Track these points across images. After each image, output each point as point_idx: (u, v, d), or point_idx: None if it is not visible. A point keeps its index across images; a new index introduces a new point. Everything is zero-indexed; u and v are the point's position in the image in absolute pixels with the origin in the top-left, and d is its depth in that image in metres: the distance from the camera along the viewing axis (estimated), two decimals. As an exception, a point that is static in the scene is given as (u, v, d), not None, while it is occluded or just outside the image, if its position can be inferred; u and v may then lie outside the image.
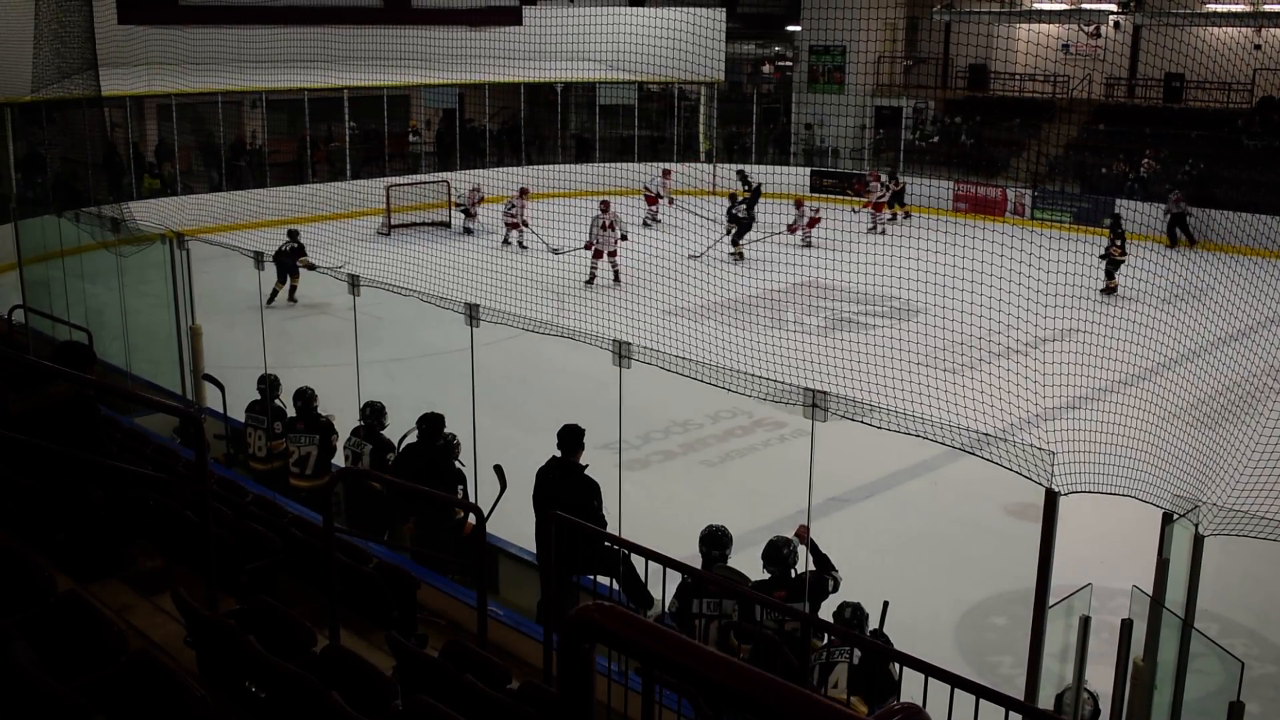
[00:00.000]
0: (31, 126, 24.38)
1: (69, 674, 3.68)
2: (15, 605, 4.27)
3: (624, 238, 21.15)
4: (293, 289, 19.59)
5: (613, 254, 21.15)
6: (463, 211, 26.69)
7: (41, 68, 17.08)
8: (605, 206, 21.39)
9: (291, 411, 10.49)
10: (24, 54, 17.57)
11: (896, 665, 6.47)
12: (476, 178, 27.80)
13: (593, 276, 20.97)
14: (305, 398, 10.27)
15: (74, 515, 5.72)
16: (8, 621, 3.91)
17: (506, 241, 24.79)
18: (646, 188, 27.79)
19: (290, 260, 19.02)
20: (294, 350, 14.46)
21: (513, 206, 24.79)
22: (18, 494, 5.85)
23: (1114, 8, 31.04)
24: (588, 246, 21.05)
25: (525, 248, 24.08)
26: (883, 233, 25.60)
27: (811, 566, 7.38)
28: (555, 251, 21.69)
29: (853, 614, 6.84)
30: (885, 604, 7.03)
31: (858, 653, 6.58)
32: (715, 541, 7.49)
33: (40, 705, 3.52)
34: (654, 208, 27.60)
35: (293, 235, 19.72)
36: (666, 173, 28.21)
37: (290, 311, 18.75)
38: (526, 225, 24.33)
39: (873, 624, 6.91)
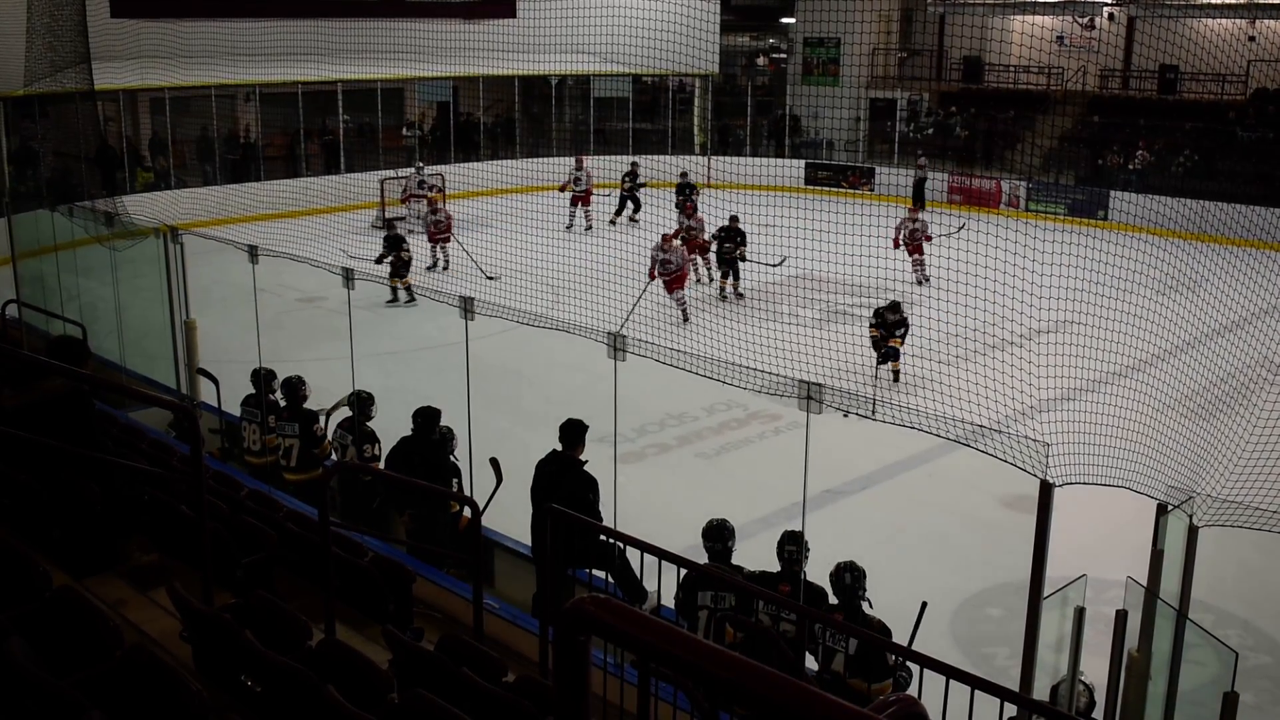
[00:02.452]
0: (24, 120, 24.35)
1: (65, 669, 3.68)
2: (11, 600, 4.28)
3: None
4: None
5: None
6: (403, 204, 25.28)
7: (34, 61, 17.05)
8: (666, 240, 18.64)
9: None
10: (16, 48, 17.55)
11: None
12: (470, 171, 27.47)
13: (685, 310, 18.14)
14: (290, 386, 10.22)
15: (70, 510, 5.72)
16: (3, 617, 3.92)
17: (432, 265, 21.14)
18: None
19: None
20: (289, 344, 14.46)
21: (433, 215, 21.48)
22: (13, 489, 5.85)
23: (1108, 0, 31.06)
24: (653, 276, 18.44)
25: (436, 269, 20.81)
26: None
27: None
28: (490, 278, 18.12)
29: (852, 579, 6.86)
30: (923, 605, 7.01)
31: (854, 643, 6.63)
32: (718, 534, 7.50)
33: (37, 701, 3.52)
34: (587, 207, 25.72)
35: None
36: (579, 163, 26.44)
37: (285, 306, 18.74)
38: (444, 239, 21.06)
39: (905, 632, 6.87)
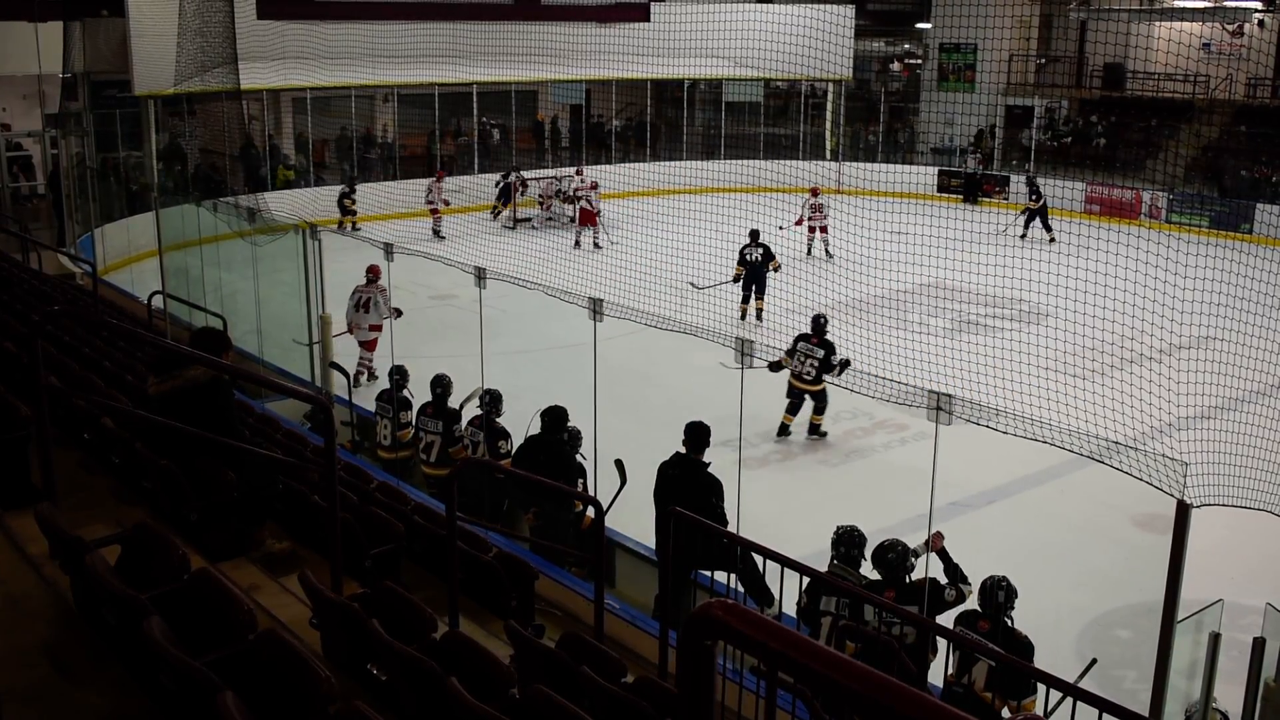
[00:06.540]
0: (173, 118, 25.19)
1: (201, 649, 3.78)
2: (151, 581, 4.41)
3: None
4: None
5: (824, 229, 22.93)
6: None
7: (184, 62, 17.65)
8: (815, 191, 23.05)
9: (424, 399, 10.71)
10: (168, 48, 18.17)
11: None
12: (599, 173, 27.68)
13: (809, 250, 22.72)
14: (443, 384, 10.56)
15: (207, 496, 5.88)
16: (145, 597, 4.04)
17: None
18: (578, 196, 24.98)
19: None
20: (421, 340, 14.67)
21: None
22: (156, 474, 6.04)
23: (1258, 5, 30.00)
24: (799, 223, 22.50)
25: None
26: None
27: (941, 577, 7.28)
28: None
29: (1005, 597, 6.75)
30: (1093, 661, 6.87)
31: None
32: (849, 541, 7.43)
33: (173, 678, 3.63)
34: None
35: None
36: (594, 185, 25.43)
37: (418, 303, 19.06)
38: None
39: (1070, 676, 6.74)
